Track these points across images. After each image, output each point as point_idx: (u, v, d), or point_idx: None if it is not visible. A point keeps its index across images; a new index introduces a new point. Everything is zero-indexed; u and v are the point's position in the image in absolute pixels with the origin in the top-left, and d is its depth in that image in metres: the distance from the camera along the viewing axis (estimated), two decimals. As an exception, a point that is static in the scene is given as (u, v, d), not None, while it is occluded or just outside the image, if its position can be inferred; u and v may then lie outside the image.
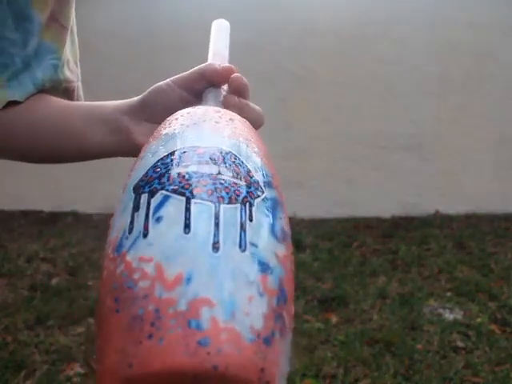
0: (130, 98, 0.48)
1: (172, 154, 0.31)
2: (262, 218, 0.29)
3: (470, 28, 3.70)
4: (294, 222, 3.68)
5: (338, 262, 2.87)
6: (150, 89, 0.46)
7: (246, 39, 3.73)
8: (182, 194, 0.28)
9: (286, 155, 3.83)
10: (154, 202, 0.28)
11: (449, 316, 2.21)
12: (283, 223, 0.32)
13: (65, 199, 3.96)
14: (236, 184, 0.30)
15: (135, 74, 3.80)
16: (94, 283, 2.60)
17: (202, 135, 0.33)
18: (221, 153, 0.31)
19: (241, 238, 0.27)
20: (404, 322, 2.15)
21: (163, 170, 0.30)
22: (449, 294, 2.44)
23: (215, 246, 0.26)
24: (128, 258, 0.27)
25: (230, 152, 0.32)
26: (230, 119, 0.36)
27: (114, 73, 3.85)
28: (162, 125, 0.37)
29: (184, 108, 0.41)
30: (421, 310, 2.27)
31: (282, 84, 3.77)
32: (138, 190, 0.30)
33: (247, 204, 0.29)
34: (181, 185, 0.29)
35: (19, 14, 0.47)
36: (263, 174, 0.32)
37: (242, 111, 0.41)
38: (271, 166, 0.35)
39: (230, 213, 0.28)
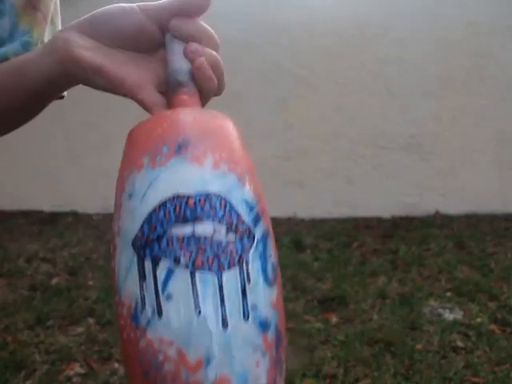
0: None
1: (164, 205, 0.31)
2: (257, 272, 0.31)
3: (469, 28, 3.70)
4: (294, 222, 3.68)
5: (338, 262, 2.87)
6: (107, 7, 0.41)
7: (246, 39, 3.73)
8: (186, 266, 0.30)
9: (286, 155, 3.83)
10: (160, 273, 0.30)
11: (449, 316, 2.21)
12: (273, 255, 0.33)
13: (65, 199, 3.96)
14: (231, 242, 0.31)
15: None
16: (93, 283, 2.60)
17: (187, 175, 0.32)
18: (211, 200, 0.31)
19: (243, 306, 0.30)
20: (404, 322, 2.15)
21: (160, 230, 0.31)
22: (449, 294, 2.44)
23: (224, 323, 0.29)
24: (149, 335, 0.30)
25: (218, 196, 0.31)
26: (205, 133, 0.34)
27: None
28: (137, 135, 0.35)
29: (138, 37, 0.39)
30: (421, 310, 2.27)
31: (282, 84, 3.77)
32: (138, 249, 0.31)
33: (244, 263, 0.31)
34: (181, 253, 0.30)
35: None
36: (251, 208, 0.32)
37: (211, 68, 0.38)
38: (255, 183, 0.34)
39: (231, 280, 0.30)
